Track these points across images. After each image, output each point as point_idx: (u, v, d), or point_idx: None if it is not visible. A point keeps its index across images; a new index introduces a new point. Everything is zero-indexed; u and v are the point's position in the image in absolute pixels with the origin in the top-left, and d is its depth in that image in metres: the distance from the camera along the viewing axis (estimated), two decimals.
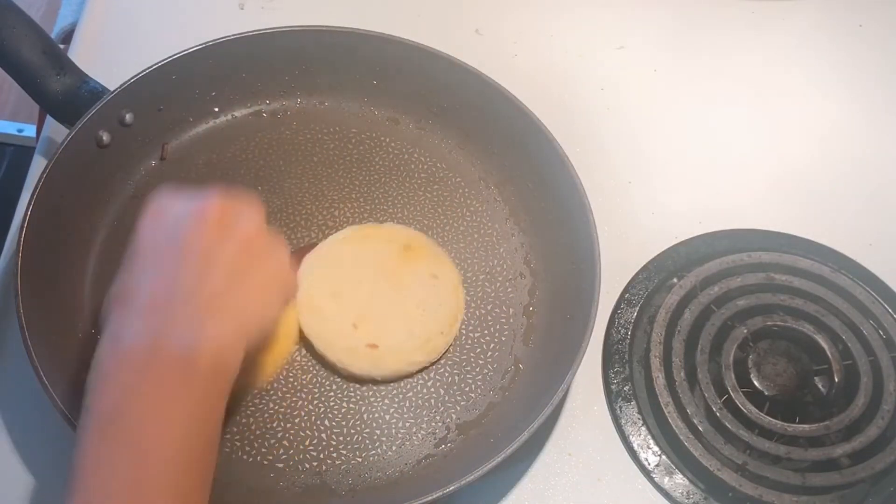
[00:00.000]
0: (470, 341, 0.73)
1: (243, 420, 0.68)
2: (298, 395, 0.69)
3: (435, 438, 0.69)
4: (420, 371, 0.71)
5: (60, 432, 0.62)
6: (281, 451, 0.67)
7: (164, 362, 0.50)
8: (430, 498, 0.61)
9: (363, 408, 0.69)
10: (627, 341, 0.75)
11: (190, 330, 0.51)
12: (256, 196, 0.59)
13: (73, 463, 0.49)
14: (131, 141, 0.77)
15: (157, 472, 0.48)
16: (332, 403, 0.69)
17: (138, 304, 0.52)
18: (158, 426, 0.49)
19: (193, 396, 0.50)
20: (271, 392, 0.69)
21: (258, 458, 0.67)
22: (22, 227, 0.67)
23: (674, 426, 0.70)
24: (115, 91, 0.74)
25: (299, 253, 0.75)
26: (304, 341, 0.71)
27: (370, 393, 0.70)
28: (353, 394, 0.70)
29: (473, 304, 0.75)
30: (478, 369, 0.72)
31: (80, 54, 0.86)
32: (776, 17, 0.97)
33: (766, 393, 0.72)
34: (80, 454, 0.49)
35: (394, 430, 0.69)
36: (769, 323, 0.75)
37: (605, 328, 0.76)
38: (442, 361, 0.72)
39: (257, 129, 0.82)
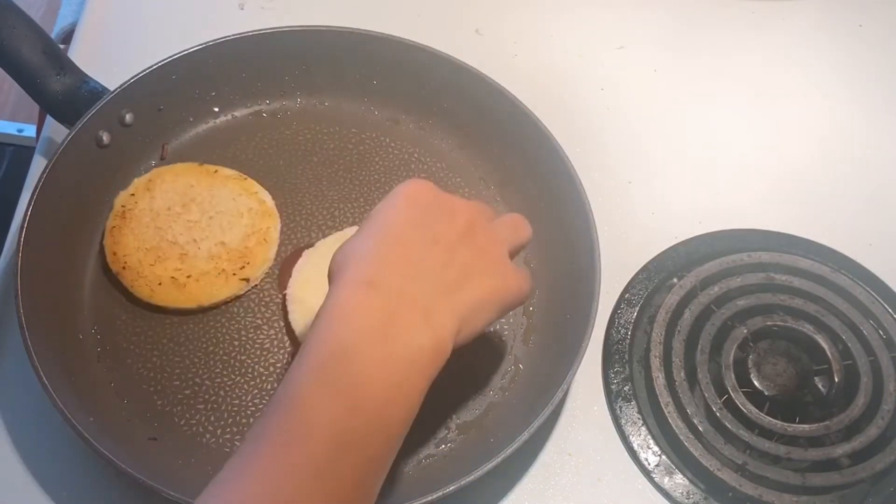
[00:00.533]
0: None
1: (242, 420, 0.68)
2: None
3: (435, 438, 0.69)
4: None
5: (60, 432, 0.62)
6: None
7: (394, 330, 0.50)
8: (430, 498, 0.61)
9: None
10: (627, 341, 0.75)
11: (420, 308, 0.51)
12: (522, 220, 0.63)
13: (281, 392, 0.48)
14: (131, 141, 0.77)
15: (364, 421, 0.48)
16: None
17: (379, 265, 0.52)
18: (375, 380, 0.49)
19: (408, 371, 0.50)
20: (270, 390, 0.69)
21: None
22: (22, 227, 0.67)
23: (674, 426, 0.70)
24: (115, 91, 0.74)
25: (297, 252, 0.75)
26: (289, 333, 0.72)
27: None
28: None
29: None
30: (478, 369, 0.72)
31: (80, 54, 0.86)
32: (776, 17, 0.97)
33: (766, 393, 0.72)
34: (293, 386, 0.48)
35: None
36: (769, 323, 0.75)
37: (605, 328, 0.76)
38: None
39: (257, 129, 0.82)
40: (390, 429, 0.49)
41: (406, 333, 0.50)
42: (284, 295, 0.73)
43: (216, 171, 0.77)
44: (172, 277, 0.72)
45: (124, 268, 0.72)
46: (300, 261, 0.74)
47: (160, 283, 0.72)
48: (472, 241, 0.56)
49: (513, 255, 0.60)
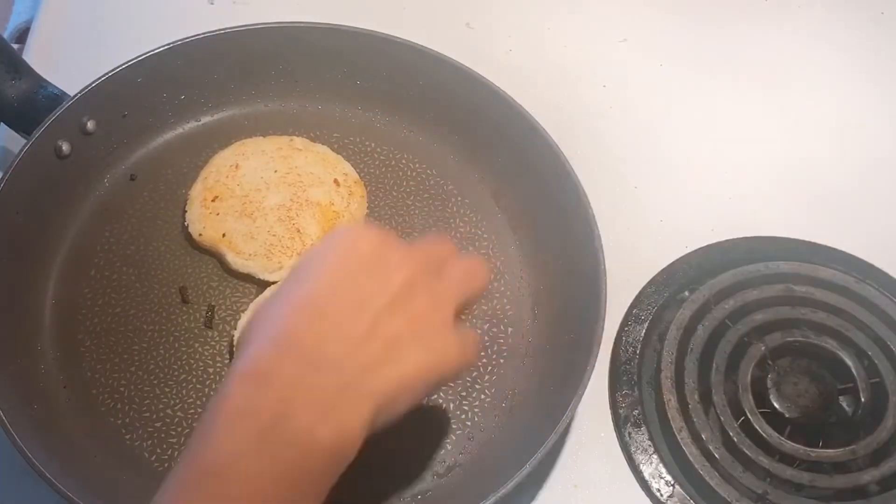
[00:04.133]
0: None
1: None
2: None
3: (428, 472, 0.68)
4: None
5: (23, 472, 0.61)
6: None
7: (283, 436, 0.48)
8: None
9: None
10: (636, 361, 0.75)
11: (320, 405, 0.49)
12: (477, 268, 0.59)
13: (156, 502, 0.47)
14: (94, 151, 0.77)
15: None
16: None
17: (283, 347, 0.50)
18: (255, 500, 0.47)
19: (299, 479, 0.48)
20: None
21: None
22: None
23: (688, 453, 0.70)
24: (75, 97, 0.74)
25: None
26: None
27: None
28: None
29: (468, 324, 0.74)
30: (474, 395, 0.71)
31: (37, 56, 0.85)
32: (792, 5, 0.97)
33: (787, 415, 0.71)
34: (167, 499, 0.47)
35: (382, 464, 0.67)
36: (789, 339, 0.74)
37: (611, 347, 0.76)
38: None
39: (231, 135, 0.81)
40: None
41: (295, 438, 0.48)
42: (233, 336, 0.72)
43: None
44: None
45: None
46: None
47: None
48: (407, 306, 0.52)
49: (463, 310, 0.57)
